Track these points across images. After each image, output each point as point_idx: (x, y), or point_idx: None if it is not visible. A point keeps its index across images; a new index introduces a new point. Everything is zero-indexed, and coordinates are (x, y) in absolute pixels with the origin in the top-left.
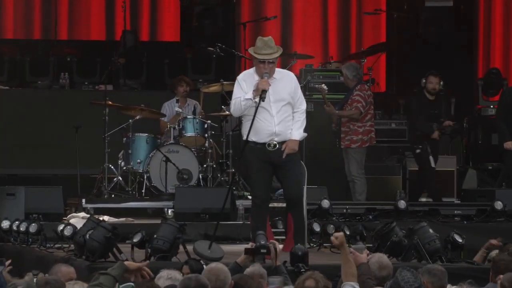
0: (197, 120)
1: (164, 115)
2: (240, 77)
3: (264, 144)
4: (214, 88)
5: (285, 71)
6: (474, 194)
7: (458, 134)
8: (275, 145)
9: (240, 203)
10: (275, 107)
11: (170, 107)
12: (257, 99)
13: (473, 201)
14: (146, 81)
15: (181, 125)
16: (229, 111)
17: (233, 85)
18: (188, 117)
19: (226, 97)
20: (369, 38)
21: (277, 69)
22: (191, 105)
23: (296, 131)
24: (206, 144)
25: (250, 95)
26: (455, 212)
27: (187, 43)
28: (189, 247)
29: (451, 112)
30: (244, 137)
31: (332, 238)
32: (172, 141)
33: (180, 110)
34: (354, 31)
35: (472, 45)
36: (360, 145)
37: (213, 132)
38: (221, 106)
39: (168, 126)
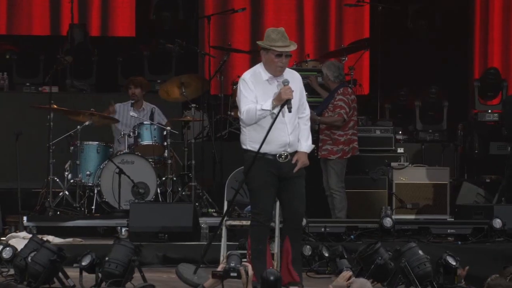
0: (155, 126)
1: (117, 120)
2: (247, 77)
3: (275, 155)
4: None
5: (290, 69)
6: (469, 211)
7: None
8: (286, 156)
9: (204, 221)
10: (287, 114)
11: (122, 111)
12: (275, 110)
13: (469, 218)
14: (97, 82)
15: (136, 132)
16: (190, 116)
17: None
18: (145, 122)
19: (187, 100)
20: (351, 34)
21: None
22: (147, 110)
23: (305, 142)
24: (165, 154)
25: (268, 105)
26: (448, 231)
27: (144, 38)
28: (148, 273)
29: None
30: (246, 147)
31: None
32: (126, 150)
33: (135, 115)
34: (333, 25)
35: (468, 41)
36: (341, 156)
37: (173, 140)
38: (182, 111)
39: (122, 132)
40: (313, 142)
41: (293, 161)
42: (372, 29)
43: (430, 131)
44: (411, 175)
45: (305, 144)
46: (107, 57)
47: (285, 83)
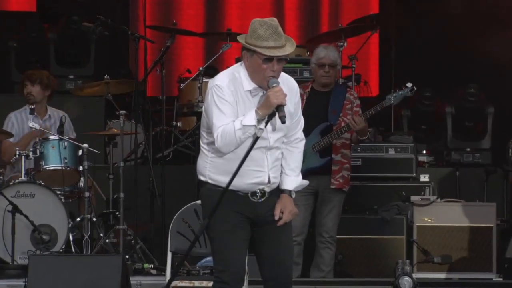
0: (66, 143)
1: (11, 134)
2: (223, 83)
3: (247, 193)
4: (94, 89)
5: (286, 75)
6: None
7: None
8: (263, 194)
9: (137, 281)
10: (272, 138)
11: (20, 121)
12: (262, 126)
13: None
14: None
15: (38, 151)
16: (117, 127)
17: (128, 84)
18: (51, 138)
19: (113, 104)
20: (352, 8)
21: None
22: (55, 118)
23: (294, 175)
24: (81, 183)
25: (251, 119)
26: None
27: (49, 14)
28: None
29: None
30: (204, 178)
31: None
32: (23, 178)
33: (37, 126)
34: None
35: None
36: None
37: (92, 164)
38: (106, 120)
39: (17, 152)
40: (325, 164)
41: (276, 214)
42: (382, 2)
43: (468, 150)
44: (440, 215)
45: (294, 179)
46: None
47: (274, 84)
